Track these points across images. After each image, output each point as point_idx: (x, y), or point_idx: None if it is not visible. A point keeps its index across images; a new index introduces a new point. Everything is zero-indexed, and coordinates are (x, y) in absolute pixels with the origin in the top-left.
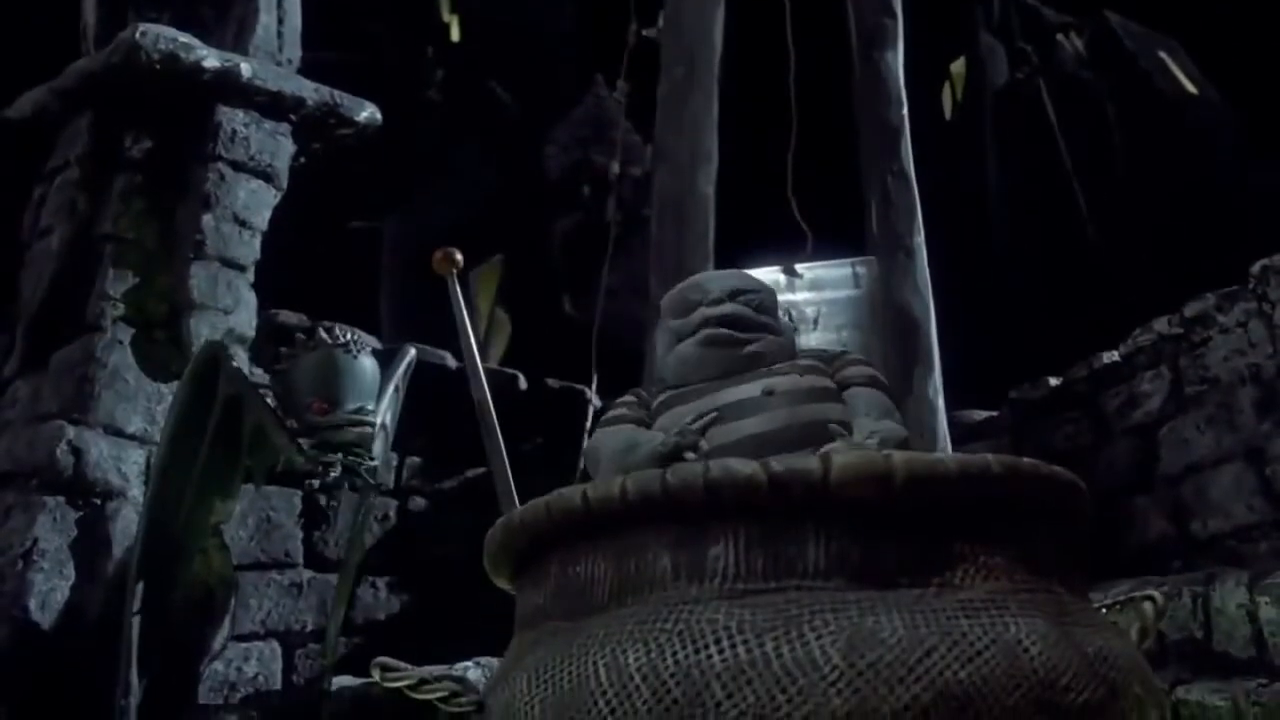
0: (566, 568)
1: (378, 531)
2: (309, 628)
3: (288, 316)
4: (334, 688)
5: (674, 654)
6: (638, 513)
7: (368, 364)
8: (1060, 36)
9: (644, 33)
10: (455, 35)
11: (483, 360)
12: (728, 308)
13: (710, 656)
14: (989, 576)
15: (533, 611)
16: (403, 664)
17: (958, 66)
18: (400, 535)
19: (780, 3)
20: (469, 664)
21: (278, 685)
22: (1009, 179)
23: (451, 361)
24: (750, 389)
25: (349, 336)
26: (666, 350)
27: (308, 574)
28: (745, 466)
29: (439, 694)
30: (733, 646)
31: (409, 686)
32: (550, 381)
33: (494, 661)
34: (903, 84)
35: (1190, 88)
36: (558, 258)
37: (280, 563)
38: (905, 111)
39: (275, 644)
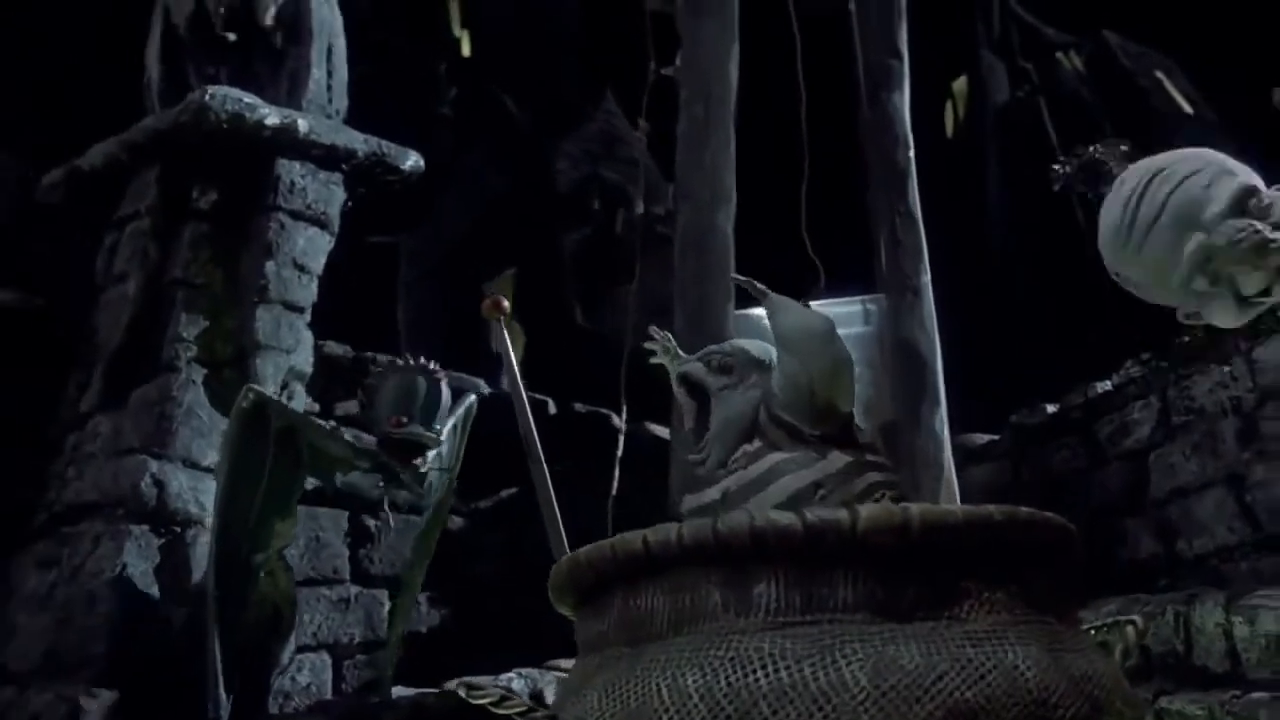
0: (628, 600)
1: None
2: (356, 640)
3: (333, 348)
4: (391, 697)
5: (726, 677)
6: (691, 555)
7: (444, 390)
8: (1060, 55)
9: (662, 71)
10: (466, 50)
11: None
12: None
13: (757, 679)
14: (992, 610)
15: (596, 637)
16: (485, 681)
17: (959, 84)
18: (438, 553)
19: (790, 44)
20: (512, 675)
21: (329, 694)
22: (1009, 195)
23: (484, 388)
24: None
25: (430, 365)
26: None
27: (354, 589)
28: (784, 518)
29: (518, 710)
30: (776, 671)
31: (491, 703)
32: (577, 406)
33: (535, 673)
34: (909, 125)
35: (1186, 107)
36: (568, 271)
37: (329, 579)
38: (911, 153)
39: (325, 655)
